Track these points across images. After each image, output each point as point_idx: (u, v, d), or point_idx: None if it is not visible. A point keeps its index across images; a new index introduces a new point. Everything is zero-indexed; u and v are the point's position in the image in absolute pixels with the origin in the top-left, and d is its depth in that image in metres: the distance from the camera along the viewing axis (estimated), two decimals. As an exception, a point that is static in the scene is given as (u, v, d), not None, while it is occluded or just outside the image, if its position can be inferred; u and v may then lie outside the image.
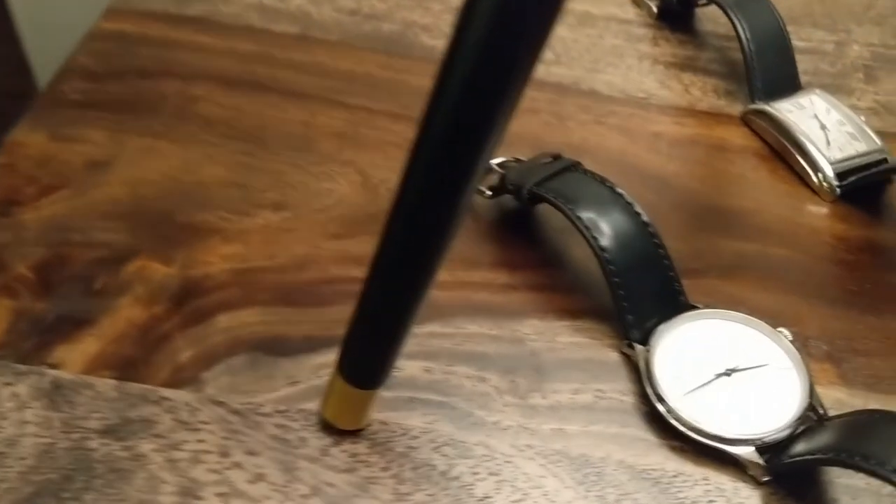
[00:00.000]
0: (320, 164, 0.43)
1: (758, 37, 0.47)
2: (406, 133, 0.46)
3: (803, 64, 0.50)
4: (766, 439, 0.33)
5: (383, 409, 0.34)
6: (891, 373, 0.37)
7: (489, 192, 0.41)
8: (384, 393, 0.35)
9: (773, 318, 0.38)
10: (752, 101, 0.47)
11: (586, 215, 0.37)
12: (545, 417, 0.34)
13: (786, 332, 0.36)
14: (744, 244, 0.41)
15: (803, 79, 0.49)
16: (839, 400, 0.36)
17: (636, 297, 0.36)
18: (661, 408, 0.34)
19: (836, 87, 0.50)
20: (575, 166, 0.39)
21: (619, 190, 0.38)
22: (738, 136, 0.46)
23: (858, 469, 0.29)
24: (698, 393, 0.34)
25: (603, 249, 0.36)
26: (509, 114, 0.23)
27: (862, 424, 0.32)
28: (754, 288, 0.40)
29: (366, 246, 0.42)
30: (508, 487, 0.32)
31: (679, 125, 0.47)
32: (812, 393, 0.34)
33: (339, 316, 0.33)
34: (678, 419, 0.33)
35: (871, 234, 0.42)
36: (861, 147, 0.44)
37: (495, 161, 0.42)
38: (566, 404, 0.35)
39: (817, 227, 0.42)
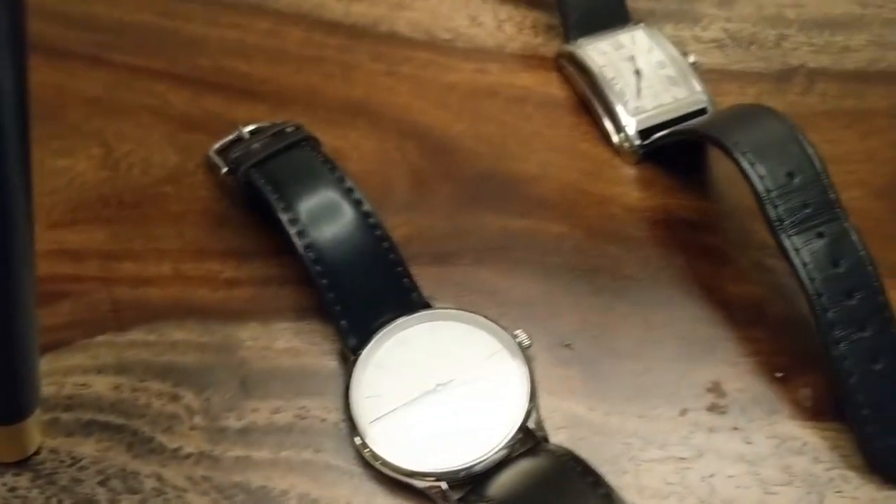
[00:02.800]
0: (63, 136, 0.39)
1: (571, -40, 0.40)
2: (166, 95, 0.41)
3: (650, -14, 0.43)
4: (461, 473, 0.29)
5: (58, 435, 0.31)
6: (652, 378, 0.32)
7: (225, 170, 0.36)
8: (63, 415, 0.32)
9: (524, 313, 0.33)
10: (566, 41, 0.40)
11: (297, 206, 0.32)
12: (232, 443, 0.31)
13: (521, 335, 0.32)
14: (514, 220, 0.36)
15: (647, 4, 0.42)
16: (575, 416, 0.31)
17: (352, 298, 0.32)
18: (351, 433, 0.30)
19: (681, 14, 0.42)
20: (303, 142, 0.34)
21: (341, 174, 0.33)
22: (544, 85, 0.40)
23: None
24: (397, 414, 0.30)
25: (308, 248, 0.32)
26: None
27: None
28: (512, 275, 0.35)
29: (87, 235, 0.39)
30: (167, 529, 0.29)
31: (480, 73, 0.41)
32: (529, 415, 0.30)
33: (39, 321, 0.30)
34: (365, 447, 0.30)
35: (673, 203, 0.36)
36: (679, 94, 0.38)
37: (247, 129, 0.37)
38: (261, 426, 0.31)
39: (608, 196, 0.37)
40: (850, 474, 0.30)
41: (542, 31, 0.42)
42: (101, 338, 0.33)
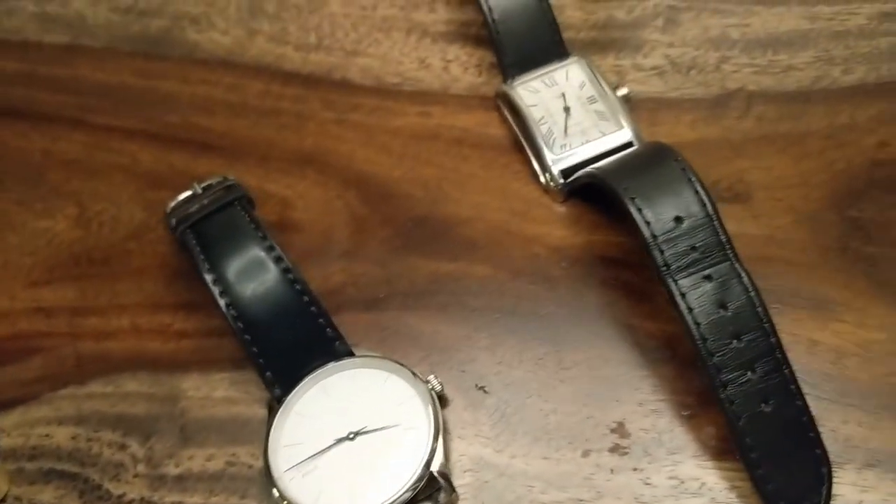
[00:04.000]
0: (45, 198, 0.43)
1: (501, 4, 0.41)
2: (137, 153, 0.45)
3: (596, 14, 0.43)
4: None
5: (22, 483, 0.35)
6: (558, 420, 0.33)
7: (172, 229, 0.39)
8: (27, 464, 0.35)
9: (444, 357, 0.35)
10: (504, 80, 0.41)
11: (221, 266, 0.35)
12: (169, 489, 0.34)
13: (433, 381, 0.33)
14: (443, 264, 0.37)
15: (589, 34, 0.43)
16: (482, 459, 0.33)
17: (274, 351, 0.34)
18: (267, 481, 0.32)
19: (623, 42, 0.43)
20: (235, 202, 0.37)
21: (263, 233, 0.35)
22: (483, 126, 0.41)
23: None
24: (311, 462, 0.32)
25: (229, 305, 0.34)
26: None
27: None
28: (436, 319, 0.36)
29: (60, 293, 0.42)
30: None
31: (423, 116, 0.42)
32: (432, 460, 0.31)
33: (13, 376, 0.33)
34: (279, 494, 0.32)
35: (597, 240, 0.37)
36: (607, 129, 0.38)
37: (201, 185, 0.40)
38: (195, 473, 0.34)
39: (533, 236, 0.38)
40: (749, 517, 0.30)
41: (486, 70, 0.43)
42: (64, 391, 0.37)
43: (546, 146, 0.38)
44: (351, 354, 0.34)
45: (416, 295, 0.37)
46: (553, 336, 0.35)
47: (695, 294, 0.30)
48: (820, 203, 0.36)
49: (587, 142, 0.38)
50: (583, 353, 0.34)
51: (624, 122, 0.38)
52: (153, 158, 0.43)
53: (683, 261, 0.31)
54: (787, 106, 0.39)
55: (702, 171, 0.38)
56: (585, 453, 0.32)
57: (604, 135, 0.38)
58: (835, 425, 0.31)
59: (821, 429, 0.31)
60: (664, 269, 0.31)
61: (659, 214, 0.31)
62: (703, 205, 0.31)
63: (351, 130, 0.42)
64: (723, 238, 0.31)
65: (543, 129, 0.39)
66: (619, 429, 0.32)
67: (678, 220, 0.31)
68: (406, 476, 0.31)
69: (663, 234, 0.31)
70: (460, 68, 0.43)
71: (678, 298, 0.30)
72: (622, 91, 0.39)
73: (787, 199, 0.37)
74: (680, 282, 0.30)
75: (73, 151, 0.44)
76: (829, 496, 0.29)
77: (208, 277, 0.34)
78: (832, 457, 0.30)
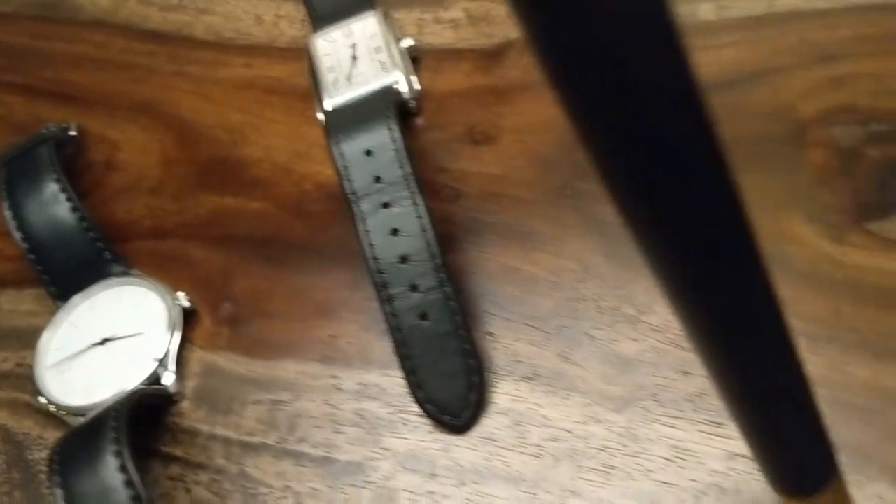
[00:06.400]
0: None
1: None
2: (13, 105, 0.50)
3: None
4: (91, 412, 0.35)
5: None
6: (285, 335, 0.37)
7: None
8: None
9: (208, 280, 0.39)
10: (313, 31, 0.45)
11: (17, 198, 0.40)
12: (-31, 383, 0.39)
13: (182, 297, 0.38)
14: (227, 199, 0.42)
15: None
16: (215, 366, 0.37)
17: (57, 271, 0.39)
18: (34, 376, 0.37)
19: (434, -6, 0.45)
20: (44, 143, 0.42)
21: (56, 171, 0.40)
22: (294, 76, 0.45)
23: None
24: (66, 364, 0.37)
25: (18, 229, 0.39)
26: None
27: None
28: (210, 248, 0.40)
29: None
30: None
31: (246, 67, 0.46)
32: (162, 361, 0.36)
33: None
34: (40, 389, 0.37)
35: (360, 177, 0.40)
36: (387, 79, 0.41)
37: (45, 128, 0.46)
38: (-8, 371, 0.40)
39: (306, 174, 0.41)
40: (410, 418, 0.33)
41: (310, 24, 0.47)
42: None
43: (327, 92, 0.42)
44: (125, 275, 0.39)
45: (198, 226, 0.41)
46: (302, 263, 0.39)
47: (373, 219, 0.33)
48: (554, 146, 0.38)
49: (358, 94, 0.41)
50: (318, 277, 0.38)
51: (398, 71, 0.41)
52: (25, 109, 0.49)
53: (368, 189, 0.34)
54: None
55: (463, 116, 0.41)
56: (300, 362, 0.36)
57: (383, 85, 0.41)
58: (509, 342, 0.34)
59: (495, 344, 0.34)
60: (352, 195, 0.34)
61: (351, 148, 0.34)
62: (393, 140, 0.34)
63: (185, 81, 0.47)
64: (405, 172, 0.34)
65: (331, 77, 0.42)
66: (331, 342, 0.36)
67: (368, 152, 0.34)
68: (140, 374, 0.36)
69: (353, 164, 0.34)
70: (288, 23, 0.47)
71: (358, 221, 0.34)
72: (406, 42, 0.42)
73: (528, 142, 0.39)
74: (362, 206, 0.34)
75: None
76: (479, 403, 0.32)
77: (5, 205, 0.40)
78: (497, 369, 0.33)
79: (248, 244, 0.40)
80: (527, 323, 0.34)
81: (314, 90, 0.43)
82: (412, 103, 0.41)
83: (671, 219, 0.17)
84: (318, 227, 0.39)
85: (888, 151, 0.35)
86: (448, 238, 0.37)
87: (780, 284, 0.33)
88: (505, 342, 0.34)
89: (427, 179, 0.39)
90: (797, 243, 0.34)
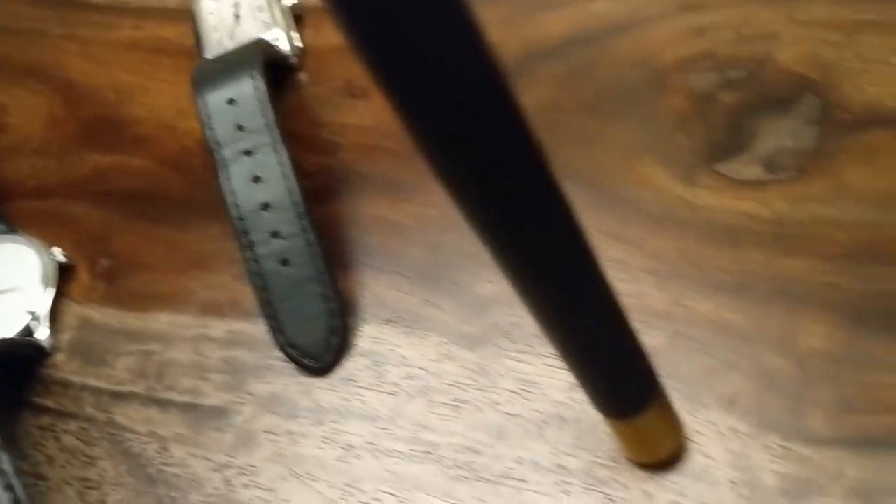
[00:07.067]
0: None
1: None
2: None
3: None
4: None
5: None
6: (166, 288, 0.37)
7: None
8: None
9: (89, 236, 0.40)
10: (203, -10, 0.45)
11: None
12: None
13: (57, 252, 0.38)
14: (108, 156, 0.42)
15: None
16: (89, 320, 0.37)
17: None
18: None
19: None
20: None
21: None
22: (182, 36, 0.44)
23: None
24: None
25: None
26: None
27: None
28: (91, 205, 0.41)
29: None
30: None
31: (136, 29, 0.46)
32: (35, 315, 0.36)
33: None
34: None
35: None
36: (268, 36, 0.42)
37: None
38: None
39: (188, 130, 0.41)
40: (275, 363, 0.34)
41: (201, -14, 0.47)
42: None
43: (210, 51, 0.42)
44: (7, 233, 0.39)
45: (79, 185, 0.41)
46: (180, 217, 0.39)
47: (235, 166, 0.34)
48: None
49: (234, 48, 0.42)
50: (195, 230, 0.38)
51: (276, 28, 0.41)
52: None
53: (231, 137, 0.34)
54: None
55: (343, 71, 0.41)
56: (172, 313, 0.36)
57: (244, 44, 0.42)
58: (374, 287, 0.35)
59: (361, 290, 0.34)
60: (214, 144, 0.34)
61: (214, 98, 0.35)
62: (256, 90, 0.35)
63: (75, 44, 0.47)
64: (268, 120, 0.34)
65: (215, 36, 0.42)
66: (203, 292, 0.36)
67: (231, 101, 0.35)
68: (13, 328, 0.36)
69: (216, 113, 0.34)
70: (179, -15, 0.48)
71: (220, 169, 0.34)
72: (288, 1, 0.43)
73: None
74: (224, 154, 0.34)
75: None
76: (340, 346, 0.33)
77: None
78: (361, 313, 0.34)
79: (128, 200, 0.40)
80: (393, 269, 0.35)
81: (198, 49, 0.43)
82: (294, 60, 0.41)
83: (470, 174, 0.18)
84: (197, 182, 0.40)
85: (741, 97, 0.36)
86: (324, 189, 0.38)
87: (632, 226, 0.34)
88: (371, 288, 0.35)
89: (307, 134, 0.40)
90: (651, 187, 0.34)
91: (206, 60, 0.37)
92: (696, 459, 0.28)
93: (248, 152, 0.34)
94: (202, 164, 0.40)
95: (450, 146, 0.18)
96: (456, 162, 0.18)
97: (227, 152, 0.34)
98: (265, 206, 0.33)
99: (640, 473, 0.29)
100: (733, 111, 0.36)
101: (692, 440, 0.29)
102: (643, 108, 0.37)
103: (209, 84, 0.35)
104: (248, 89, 0.34)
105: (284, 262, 0.33)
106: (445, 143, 0.18)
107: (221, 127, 0.34)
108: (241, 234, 0.33)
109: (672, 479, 0.28)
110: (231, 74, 0.35)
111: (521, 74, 0.39)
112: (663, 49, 0.38)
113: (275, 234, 0.33)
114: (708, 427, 0.29)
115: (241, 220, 0.33)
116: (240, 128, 0.34)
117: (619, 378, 0.26)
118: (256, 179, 0.34)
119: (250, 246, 0.33)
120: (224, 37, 0.42)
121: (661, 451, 0.28)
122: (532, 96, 0.38)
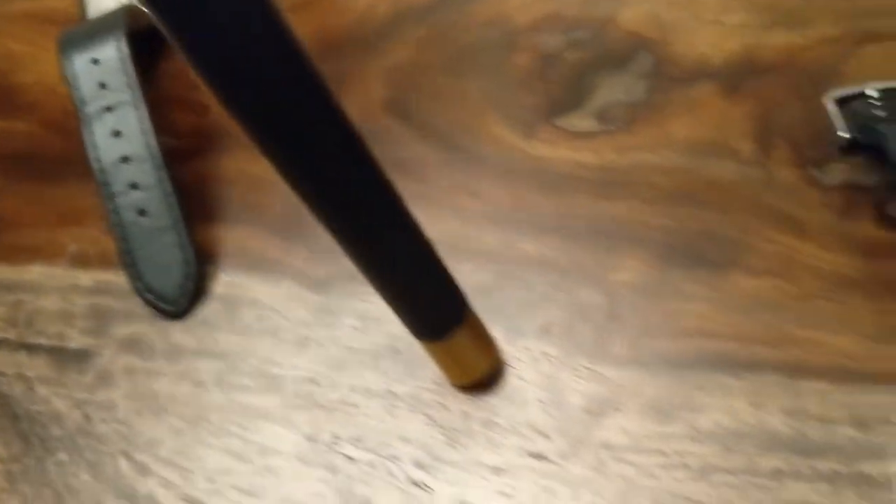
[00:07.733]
0: None
1: None
2: None
3: None
4: None
5: None
6: (29, 243, 0.39)
7: None
8: None
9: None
10: (91, -35, 0.47)
11: None
12: None
13: (-62, 211, 0.40)
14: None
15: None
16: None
17: None
18: None
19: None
20: None
21: None
22: (72, 5, 0.46)
23: None
24: None
25: None
26: None
27: None
28: (-26, 167, 0.42)
29: None
30: None
31: (29, 0, 0.48)
32: None
33: None
34: None
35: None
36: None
37: None
38: None
39: (67, 94, 0.43)
40: (136, 309, 0.36)
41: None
42: None
43: (90, 13, 0.44)
44: None
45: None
46: (58, 176, 0.41)
47: (97, 123, 0.36)
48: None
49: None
50: (72, 188, 0.40)
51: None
52: None
53: (93, 95, 0.36)
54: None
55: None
56: (45, 266, 0.38)
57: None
58: (237, 238, 0.36)
59: (224, 241, 0.36)
60: (80, 102, 0.36)
61: (81, 57, 0.36)
62: (119, 50, 0.36)
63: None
64: (129, 79, 0.36)
65: (94, 3, 0.44)
66: (75, 245, 0.38)
67: (95, 61, 0.36)
68: None
69: (81, 73, 0.36)
70: (73, -40, 0.49)
71: (84, 125, 0.36)
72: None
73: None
74: (88, 111, 0.36)
75: None
76: (196, 291, 0.35)
77: None
78: (219, 261, 0.36)
79: (10, 162, 0.42)
80: (253, 221, 0.37)
81: (82, 16, 0.45)
82: (173, 27, 0.43)
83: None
84: (77, 142, 0.41)
85: (583, 55, 0.38)
86: (195, 147, 0.40)
87: (476, 179, 0.36)
88: (231, 238, 0.37)
89: (182, 96, 0.42)
90: (495, 141, 0.37)
91: (75, 26, 0.39)
92: (511, 382, 0.31)
93: (109, 108, 0.36)
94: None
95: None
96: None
97: (91, 109, 0.36)
98: (125, 159, 0.35)
99: (461, 396, 0.31)
100: (575, 69, 0.38)
101: (510, 366, 0.31)
102: (495, 67, 0.39)
103: (75, 46, 0.37)
104: (112, 50, 0.36)
105: (142, 213, 0.35)
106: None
107: (86, 85, 0.36)
108: (102, 186, 0.35)
109: (488, 400, 0.30)
110: (96, 37, 0.37)
111: (390, 37, 0.41)
112: (517, 11, 0.40)
113: (133, 186, 0.35)
114: (524, 353, 0.31)
115: (103, 172, 0.35)
116: (102, 86, 0.36)
117: (427, 302, 0.28)
118: (117, 134, 0.35)
119: (111, 197, 0.35)
120: (104, 4, 0.44)
121: (476, 372, 0.30)
122: (399, 57, 0.40)
